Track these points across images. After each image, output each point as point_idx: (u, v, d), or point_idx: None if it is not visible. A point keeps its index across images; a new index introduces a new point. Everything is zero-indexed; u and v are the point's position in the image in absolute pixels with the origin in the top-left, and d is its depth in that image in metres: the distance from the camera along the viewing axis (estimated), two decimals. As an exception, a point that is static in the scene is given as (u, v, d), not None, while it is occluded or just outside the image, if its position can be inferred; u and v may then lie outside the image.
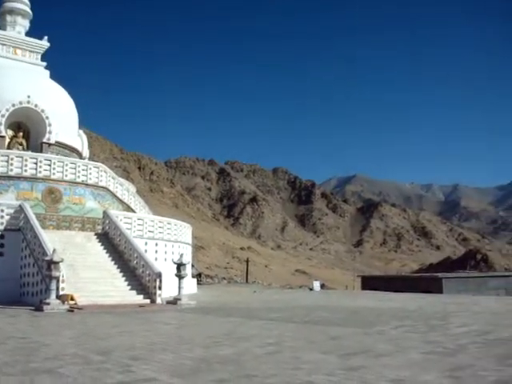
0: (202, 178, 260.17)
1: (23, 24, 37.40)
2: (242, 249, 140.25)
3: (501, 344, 10.25)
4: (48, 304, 18.17)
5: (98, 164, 32.29)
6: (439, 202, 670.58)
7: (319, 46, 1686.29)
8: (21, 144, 32.22)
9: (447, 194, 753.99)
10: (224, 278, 66.60)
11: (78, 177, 29.21)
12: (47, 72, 37.06)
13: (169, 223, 30.80)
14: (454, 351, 9.49)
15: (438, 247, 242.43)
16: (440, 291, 35.04)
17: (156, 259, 27.01)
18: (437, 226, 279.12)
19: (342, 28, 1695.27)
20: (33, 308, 18.68)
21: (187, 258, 27.09)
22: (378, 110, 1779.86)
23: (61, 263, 19.10)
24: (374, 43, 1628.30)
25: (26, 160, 27.61)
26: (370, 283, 44.54)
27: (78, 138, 36.81)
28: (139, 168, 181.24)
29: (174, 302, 21.79)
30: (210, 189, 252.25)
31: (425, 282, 39.84)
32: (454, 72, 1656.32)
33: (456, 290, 35.70)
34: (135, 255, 24.12)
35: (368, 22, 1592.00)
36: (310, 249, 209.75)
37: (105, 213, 27.46)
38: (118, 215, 27.68)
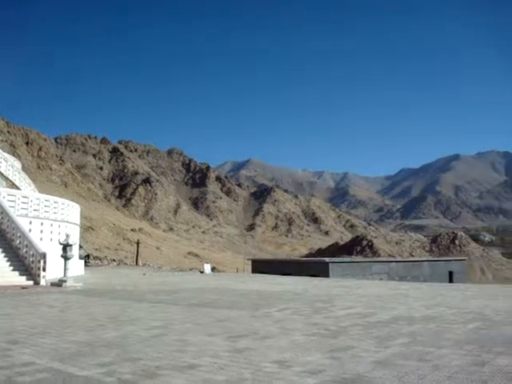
0: (94, 156, 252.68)
1: None
2: (133, 230, 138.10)
3: (381, 326, 10.66)
4: None
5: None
6: (330, 189, 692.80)
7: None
8: None
9: (337, 181, 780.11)
10: (114, 260, 65.33)
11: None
12: None
13: (55, 202, 29.66)
14: (336, 333, 9.77)
15: (326, 233, 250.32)
16: (327, 275, 36.14)
17: (41, 239, 25.97)
18: (326, 212, 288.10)
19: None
20: None
21: (74, 239, 26.28)
22: (274, 97, 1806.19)
23: None
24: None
25: None
26: (261, 266, 45.16)
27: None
28: (27, 143, 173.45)
29: (58, 283, 21.06)
30: (101, 168, 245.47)
31: (313, 266, 40.99)
32: (335, 64, 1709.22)
33: (342, 274, 36.98)
34: (18, 234, 23.09)
35: None
36: (203, 232, 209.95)
37: (-14, 189, 26.03)
38: (1, 192, 26.31)
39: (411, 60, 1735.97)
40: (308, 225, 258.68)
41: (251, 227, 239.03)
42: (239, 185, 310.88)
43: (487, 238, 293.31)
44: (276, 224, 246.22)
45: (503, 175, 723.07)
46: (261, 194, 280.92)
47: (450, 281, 43.08)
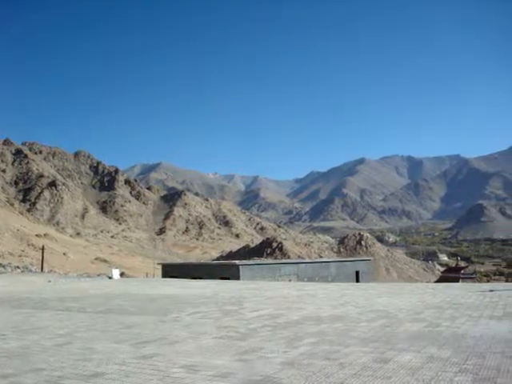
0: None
1: None
2: (38, 236, 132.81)
3: (290, 327, 10.74)
4: None
5: None
6: (240, 192, 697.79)
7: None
8: None
9: (248, 184, 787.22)
10: (18, 267, 62.63)
11: None
12: None
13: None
14: (245, 335, 9.76)
15: (237, 235, 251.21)
16: (237, 278, 36.28)
17: None
18: (237, 215, 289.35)
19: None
20: None
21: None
22: (186, 100, 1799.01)
23: None
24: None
25: None
26: (171, 271, 44.73)
27: None
28: None
29: (-46, 293, 19.89)
30: (4, 171, 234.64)
31: (223, 269, 40.98)
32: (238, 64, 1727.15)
33: (252, 277, 37.22)
34: None
35: None
36: (112, 236, 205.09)
37: None
38: None
39: (313, 65, 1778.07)
40: (219, 228, 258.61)
41: (161, 231, 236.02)
42: (149, 188, 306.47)
43: (391, 238, 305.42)
44: (187, 227, 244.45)
45: (406, 179, 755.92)
46: (171, 198, 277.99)
47: (357, 280, 44.36)
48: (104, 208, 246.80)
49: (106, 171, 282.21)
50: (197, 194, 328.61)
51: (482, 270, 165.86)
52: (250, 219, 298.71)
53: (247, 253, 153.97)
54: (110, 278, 42.27)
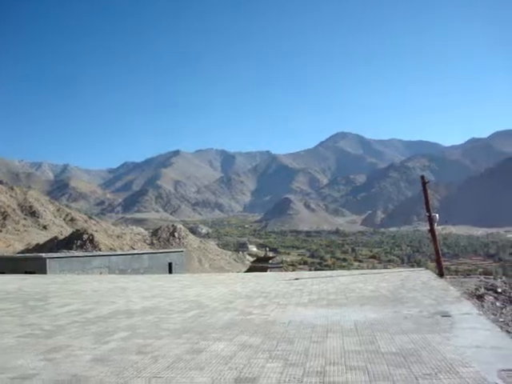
0: None
1: None
2: None
3: (99, 322, 10.32)
4: None
5: None
6: (49, 181, 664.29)
7: None
8: None
9: (57, 173, 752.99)
10: None
11: None
12: None
13: None
14: (51, 332, 9.17)
15: (45, 227, 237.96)
16: (44, 271, 34.37)
17: None
18: (45, 205, 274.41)
19: None
20: None
21: None
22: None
23: None
24: None
25: None
26: (-32, 265, 41.14)
27: None
28: None
29: None
30: None
31: (28, 262, 38.60)
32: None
33: (60, 270, 35.52)
34: None
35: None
36: None
37: None
38: None
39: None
40: (25, 219, 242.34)
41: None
42: None
43: (204, 230, 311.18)
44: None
45: (220, 172, 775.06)
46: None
47: (170, 272, 44.39)
48: None
49: None
50: (1, 182, 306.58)
51: (289, 259, 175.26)
52: (59, 210, 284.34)
53: (56, 245, 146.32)
54: None
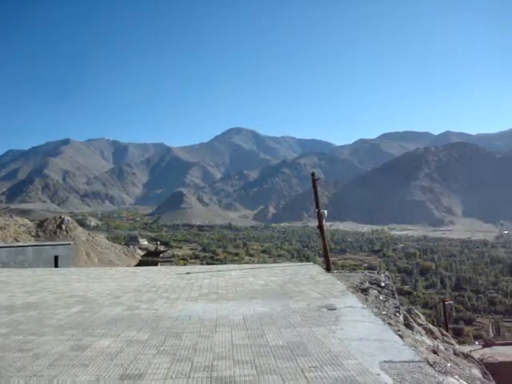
0: None
1: None
2: None
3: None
4: None
5: None
6: None
7: None
8: None
9: None
10: None
11: None
12: None
13: None
14: None
15: None
16: None
17: None
18: None
19: None
20: None
21: None
22: None
23: None
24: None
25: None
26: None
27: None
28: None
29: None
30: None
31: None
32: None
33: None
34: None
35: None
36: None
37: None
38: None
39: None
40: None
41: None
42: None
43: (93, 222, 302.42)
44: None
45: (111, 163, 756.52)
46: None
47: (56, 265, 42.85)
48: None
49: None
50: None
51: (180, 253, 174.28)
52: None
53: None
54: None
